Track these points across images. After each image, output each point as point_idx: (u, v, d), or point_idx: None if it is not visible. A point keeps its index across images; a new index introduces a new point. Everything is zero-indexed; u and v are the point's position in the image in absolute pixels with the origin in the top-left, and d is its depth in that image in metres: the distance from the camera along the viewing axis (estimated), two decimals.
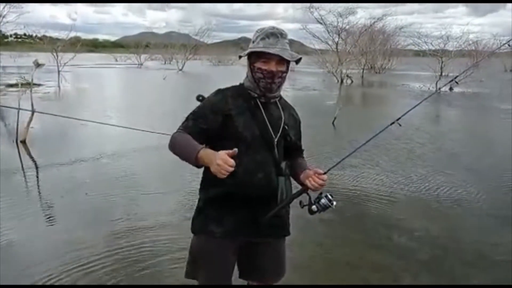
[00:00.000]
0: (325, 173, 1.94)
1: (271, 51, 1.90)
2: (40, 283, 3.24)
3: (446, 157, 7.79)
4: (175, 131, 1.97)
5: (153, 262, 3.59)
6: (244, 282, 2.20)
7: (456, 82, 2.62)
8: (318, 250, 3.94)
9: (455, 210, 5.08)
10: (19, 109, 8.23)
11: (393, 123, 2.18)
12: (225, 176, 1.73)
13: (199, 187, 2.06)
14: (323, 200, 1.89)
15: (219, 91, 2.01)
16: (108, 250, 3.78)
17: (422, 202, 5.34)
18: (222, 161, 1.71)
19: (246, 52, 1.97)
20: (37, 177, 6.31)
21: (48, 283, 3.24)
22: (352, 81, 28.09)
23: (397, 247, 4.01)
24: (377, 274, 3.45)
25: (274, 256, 2.12)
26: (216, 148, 1.89)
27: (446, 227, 4.53)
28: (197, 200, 2.07)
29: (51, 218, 4.63)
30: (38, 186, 5.92)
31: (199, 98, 2.01)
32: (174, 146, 1.92)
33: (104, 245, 3.88)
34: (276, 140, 1.98)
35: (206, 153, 1.80)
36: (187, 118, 1.98)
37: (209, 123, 1.93)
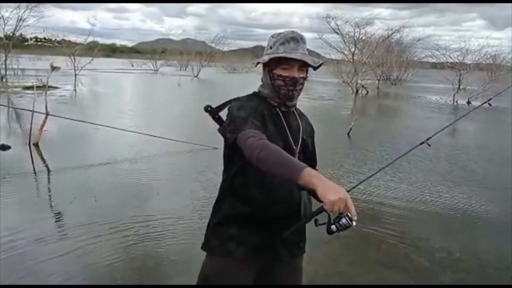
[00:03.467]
0: (348, 191, 1.78)
1: (294, 56, 1.77)
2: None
3: (466, 173, 7.54)
4: (247, 131, 1.65)
5: (164, 270, 3.47)
6: None
7: (490, 104, 2.51)
8: (334, 268, 3.77)
9: (479, 229, 4.87)
10: (33, 111, 8.23)
11: (422, 143, 2.13)
12: (332, 209, 1.51)
13: (215, 203, 1.90)
14: (343, 220, 1.70)
15: (247, 98, 1.86)
16: (116, 257, 3.69)
17: (442, 219, 5.13)
18: (346, 196, 1.50)
19: (267, 58, 1.81)
20: (48, 181, 6.25)
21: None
22: (367, 92, 27.84)
23: (417, 268, 3.81)
24: None
25: (291, 278, 1.99)
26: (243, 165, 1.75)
27: (469, 247, 4.30)
28: (209, 214, 1.92)
29: (61, 223, 4.55)
30: (49, 190, 5.85)
31: (208, 108, 1.84)
32: (264, 154, 1.57)
33: (112, 252, 3.78)
34: (297, 151, 1.86)
35: (313, 172, 1.53)
36: (246, 119, 1.70)
37: (261, 122, 1.74)
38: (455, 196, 6.03)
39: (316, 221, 1.74)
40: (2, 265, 3.50)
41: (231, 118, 1.76)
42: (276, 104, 1.86)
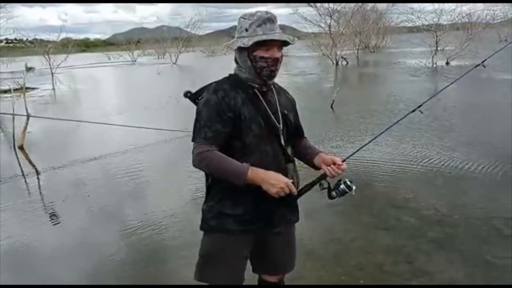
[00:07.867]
0: (343, 161, 1.96)
1: (276, 37, 1.83)
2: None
3: (448, 132, 7.69)
4: (196, 146, 1.79)
5: (163, 258, 3.56)
6: (256, 276, 2.16)
7: (484, 66, 2.42)
8: (328, 236, 3.88)
9: (463, 185, 5.02)
10: (13, 114, 8.14)
11: (414, 110, 2.21)
12: (277, 196, 1.77)
13: (206, 184, 1.98)
14: (342, 186, 1.94)
15: (215, 88, 1.87)
16: (121, 248, 3.76)
17: (428, 178, 5.27)
18: (286, 184, 1.76)
19: (247, 41, 1.81)
20: (38, 182, 6.25)
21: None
22: (347, 62, 27.87)
23: (406, 227, 3.95)
24: (391, 257, 3.39)
25: (286, 247, 2.10)
26: (225, 149, 1.83)
27: (455, 203, 4.45)
28: (204, 196, 2.00)
29: (57, 221, 4.59)
30: (40, 191, 5.86)
31: (187, 94, 1.90)
32: (210, 167, 1.80)
33: (115, 243, 3.86)
34: (280, 127, 1.93)
35: (256, 173, 1.76)
36: (201, 128, 1.80)
37: (226, 124, 1.80)
38: (439, 154, 6.18)
39: (320, 185, 1.94)
40: (6, 268, 3.56)
41: (196, 115, 1.87)
42: (257, 85, 1.90)
